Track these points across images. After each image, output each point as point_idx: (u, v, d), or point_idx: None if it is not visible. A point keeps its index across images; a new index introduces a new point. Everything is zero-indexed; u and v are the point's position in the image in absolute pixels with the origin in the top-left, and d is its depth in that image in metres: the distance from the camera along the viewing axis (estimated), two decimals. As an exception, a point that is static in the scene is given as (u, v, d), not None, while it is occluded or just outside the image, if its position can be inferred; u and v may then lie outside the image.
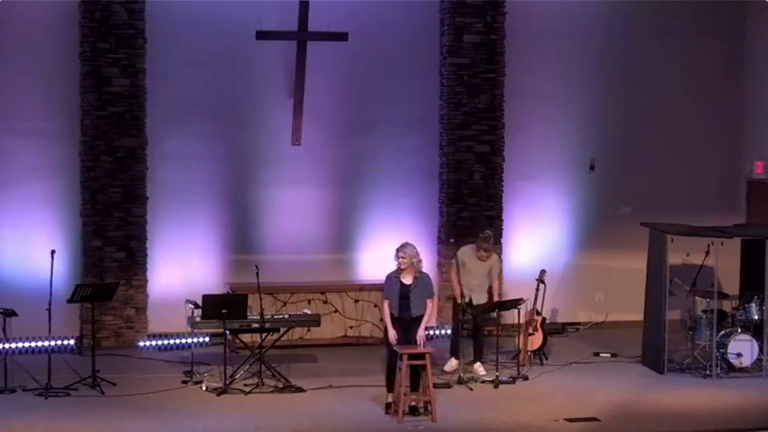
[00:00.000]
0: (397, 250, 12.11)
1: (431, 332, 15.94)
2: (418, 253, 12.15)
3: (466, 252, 13.93)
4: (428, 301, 12.15)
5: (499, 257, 14.76)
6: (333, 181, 16.00)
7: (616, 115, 16.79)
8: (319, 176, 15.93)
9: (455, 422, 11.78)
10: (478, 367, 13.72)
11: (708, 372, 13.73)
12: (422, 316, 12.11)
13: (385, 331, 12.25)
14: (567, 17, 16.46)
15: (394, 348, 12.01)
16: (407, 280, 12.10)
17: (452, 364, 13.72)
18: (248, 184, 15.79)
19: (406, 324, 12.11)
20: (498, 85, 16.06)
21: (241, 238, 15.76)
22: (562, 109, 16.60)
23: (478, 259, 13.81)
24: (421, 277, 12.14)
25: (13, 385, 12.92)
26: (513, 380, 13.45)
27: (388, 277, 12.23)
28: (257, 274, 13.29)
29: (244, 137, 15.72)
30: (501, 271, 14.36)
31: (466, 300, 13.75)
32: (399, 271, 12.12)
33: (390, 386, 12.13)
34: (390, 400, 12.11)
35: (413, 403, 12.01)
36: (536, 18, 16.33)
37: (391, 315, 12.11)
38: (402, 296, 12.07)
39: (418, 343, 12.08)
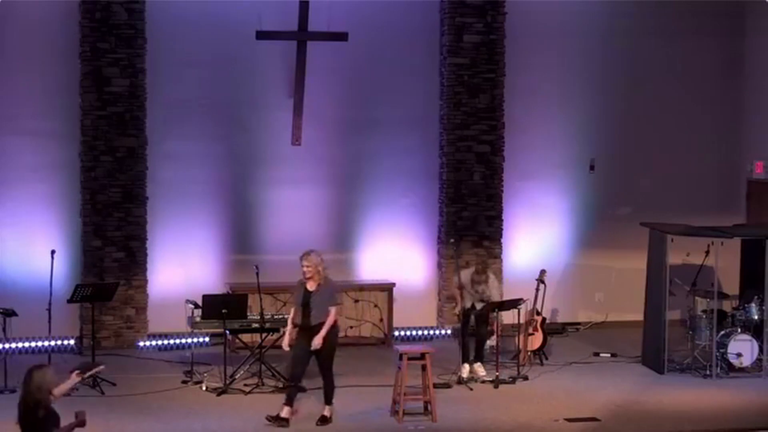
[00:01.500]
0: (301, 258, 11.70)
1: (431, 332, 16.00)
2: (322, 261, 11.75)
3: (466, 275, 13.87)
4: (331, 308, 11.67)
5: (499, 282, 14.58)
6: (333, 181, 16.00)
7: (616, 115, 16.79)
8: (319, 176, 15.93)
9: (455, 422, 11.78)
10: (479, 368, 13.71)
11: (708, 372, 13.73)
12: (323, 324, 11.59)
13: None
14: (567, 17, 16.47)
15: (401, 352, 11.99)
16: (311, 287, 11.69)
17: (466, 369, 13.68)
18: (248, 184, 15.79)
19: (306, 332, 11.63)
20: (498, 85, 16.06)
21: (241, 238, 15.77)
22: (562, 109, 16.60)
23: (475, 285, 13.76)
24: (324, 285, 11.70)
25: (13, 385, 12.91)
26: (513, 380, 13.44)
27: (298, 283, 11.86)
28: (257, 274, 13.29)
29: (244, 137, 15.72)
30: (501, 295, 14.25)
31: (468, 306, 13.75)
32: (304, 279, 11.76)
33: (288, 400, 11.62)
34: (285, 414, 11.49)
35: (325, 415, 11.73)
36: (536, 18, 16.34)
37: (295, 323, 11.81)
38: (304, 303, 11.66)
39: (314, 345, 11.52)
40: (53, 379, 8.62)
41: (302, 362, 11.66)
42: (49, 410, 8.59)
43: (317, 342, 11.52)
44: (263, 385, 12.94)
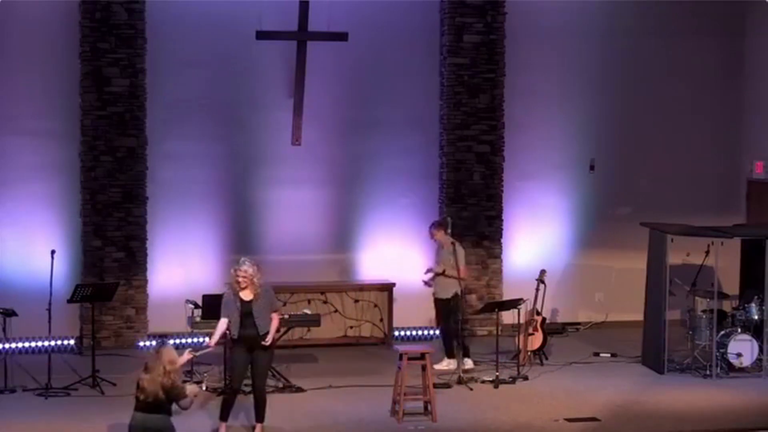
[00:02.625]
0: (235, 270, 11.17)
1: (431, 332, 15.99)
2: (258, 270, 11.23)
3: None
4: (273, 315, 11.32)
5: (461, 245, 14.38)
6: (333, 181, 16.00)
7: (616, 115, 16.79)
8: (319, 176, 15.93)
9: (455, 422, 11.78)
10: (467, 362, 13.76)
11: (708, 372, 13.73)
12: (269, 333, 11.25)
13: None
14: (567, 17, 16.47)
15: (401, 352, 11.98)
16: (247, 296, 11.18)
17: (443, 364, 13.74)
18: (248, 184, 15.79)
19: (251, 342, 11.18)
20: (498, 85, 16.06)
21: (241, 238, 15.76)
22: (562, 109, 16.60)
23: (438, 246, 14.03)
24: (263, 293, 11.25)
25: (13, 385, 12.93)
26: (513, 380, 13.45)
27: (226, 294, 11.34)
28: (257, 274, 13.27)
29: (244, 137, 15.72)
30: (461, 257, 14.08)
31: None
32: (237, 288, 11.23)
33: (223, 413, 11.31)
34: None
35: None
36: (536, 18, 16.34)
37: (231, 335, 11.34)
38: (244, 313, 11.14)
39: (266, 341, 11.18)
40: (175, 354, 9.55)
41: (243, 373, 11.34)
42: (179, 380, 9.45)
43: (269, 339, 11.16)
44: (263, 385, 12.93)
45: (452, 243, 13.98)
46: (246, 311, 11.19)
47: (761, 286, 13.84)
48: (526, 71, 16.28)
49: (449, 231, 14.06)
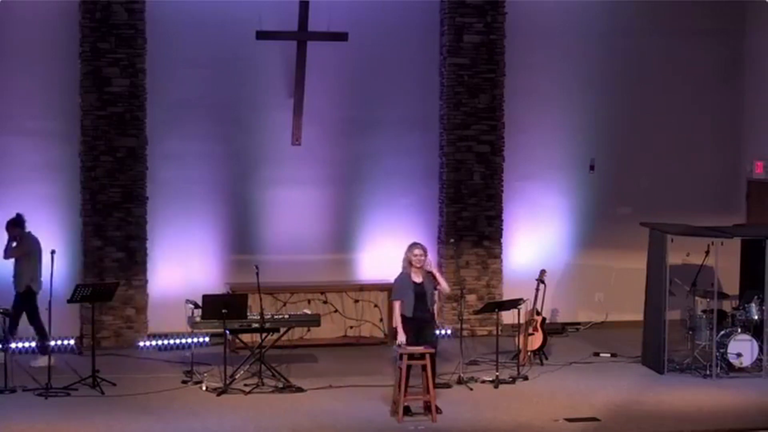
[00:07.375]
0: (415, 247, 11.98)
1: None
2: (426, 253, 12.10)
3: None
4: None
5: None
6: (333, 181, 16.00)
7: (616, 115, 16.80)
8: (319, 176, 15.93)
9: (455, 422, 11.78)
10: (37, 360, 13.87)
11: (708, 372, 13.73)
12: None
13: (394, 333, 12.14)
14: (567, 17, 16.48)
15: (401, 351, 11.97)
16: (418, 278, 11.98)
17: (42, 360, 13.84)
18: (248, 184, 15.80)
19: (420, 324, 11.93)
20: (498, 85, 16.07)
21: (241, 238, 15.77)
22: (562, 109, 16.61)
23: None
24: (426, 275, 12.02)
25: (13, 385, 12.92)
26: (513, 380, 13.45)
27: (400, 277, 12.05)
28: (257, 274, 13.28)
29: (244, 137, 15.73)
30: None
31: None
32: (410, 270, 11.98)
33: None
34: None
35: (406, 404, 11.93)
36: (536, 18, 16.34)
37: (404, 316, 11.94)
38: (418, 296, 11.91)
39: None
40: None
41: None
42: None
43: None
44: (263, 385, 12.94)
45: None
46: (419, 293, 11.81)
47: (761, 286, 13.84)
48: (526, 71, 16.28)
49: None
